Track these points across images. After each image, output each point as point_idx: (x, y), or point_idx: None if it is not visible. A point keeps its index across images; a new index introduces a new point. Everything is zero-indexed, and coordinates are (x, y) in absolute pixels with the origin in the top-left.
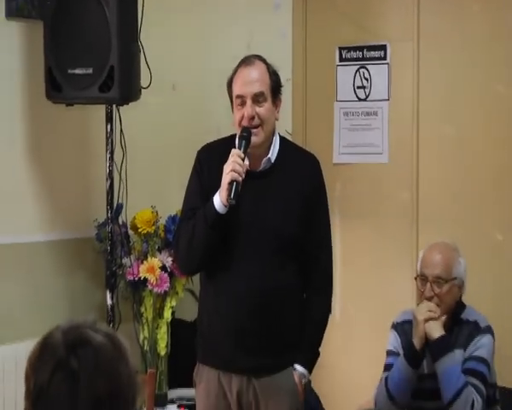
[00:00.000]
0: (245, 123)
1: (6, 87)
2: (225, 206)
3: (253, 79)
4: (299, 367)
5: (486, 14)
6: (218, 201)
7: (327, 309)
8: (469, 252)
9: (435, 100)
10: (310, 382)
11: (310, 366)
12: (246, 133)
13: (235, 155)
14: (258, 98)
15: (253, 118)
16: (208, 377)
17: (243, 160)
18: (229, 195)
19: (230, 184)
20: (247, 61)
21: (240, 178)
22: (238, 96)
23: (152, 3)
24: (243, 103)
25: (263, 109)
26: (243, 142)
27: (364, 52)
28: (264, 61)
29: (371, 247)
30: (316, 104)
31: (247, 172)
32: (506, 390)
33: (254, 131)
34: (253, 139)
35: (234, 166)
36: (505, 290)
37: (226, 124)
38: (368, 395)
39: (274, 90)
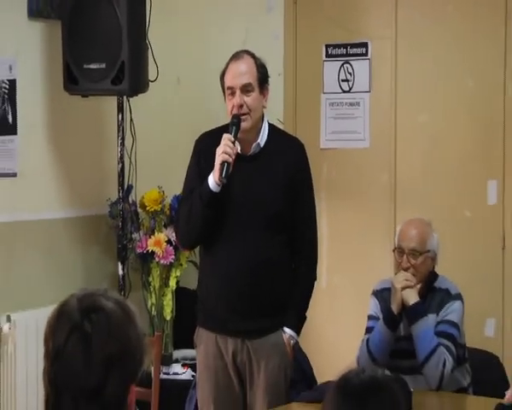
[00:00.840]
0: (235, 111)
1: (28, 81)
2: (218, 185)
3: (241, 72)
4: (287, 330)
5: (459, 14)
6: (212, 180)
7: (312, 277)
8: (442, 227)
9: (411, 92)
10: (297, 343)
11: (297, 329)
12: (236, 120)
13: (226, 138)
14: (246, 88)
15: (241, 106)
16: (207, 340)
17: (234, 143)
18: (220, 174)
19: (222, 164)
20: (236, 56)
21: (230, 159)
22: (229, 88)
23: (158, 5)
24: (233, 94)
25: (250, 99)
26: (233, 127)
27: (348, 49)
28: (252, 55)
29: (354, 223)
30: (304, 96)
31: (239, 156)
32: (475, 350)
33: (243, 117)
34: (243, 125)
35: (225, 148)
36: (473, 260)
37: (224, 114)
38: (351, 355)
39: (261, 81)
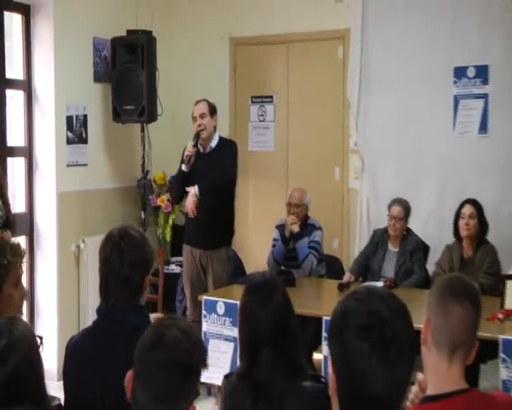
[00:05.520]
0: (197, 129)
1: (94, 115)
2: (186, 168)
3: (200, 109)
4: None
5: (323, 75)
6: (184, 166)
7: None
8: (312, 192)
9: (296, 121)
10: (234, 251)
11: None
12: (197, 133)
13: (189, 144)
14: (202, 116)
15: (200, 125)
16: (187, 251)
17: (194, 146)
18: (187, 163)
19: (187, 157)
20: (198, 102)
21: (191, 155)
22: (194, 117)
23: (162, 76)
24: (196, 119)
25: (205, 121)
26: (196, 138)
27: (263, 99)
28: (206, 101)
29: (267, 191)
30: (240, 123)
31: (199, 153)
32: (328, 256)
33: (201, 131)
34: (202, 135)
35: (188, 149)
36: (328, 208)
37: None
38: (264, 258)
39: (211, 112)
